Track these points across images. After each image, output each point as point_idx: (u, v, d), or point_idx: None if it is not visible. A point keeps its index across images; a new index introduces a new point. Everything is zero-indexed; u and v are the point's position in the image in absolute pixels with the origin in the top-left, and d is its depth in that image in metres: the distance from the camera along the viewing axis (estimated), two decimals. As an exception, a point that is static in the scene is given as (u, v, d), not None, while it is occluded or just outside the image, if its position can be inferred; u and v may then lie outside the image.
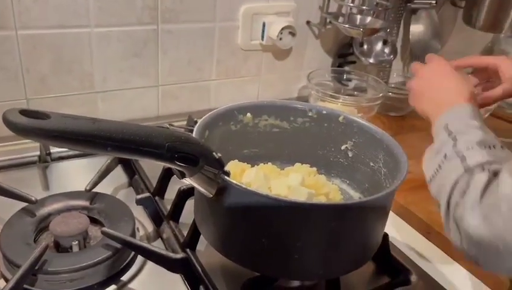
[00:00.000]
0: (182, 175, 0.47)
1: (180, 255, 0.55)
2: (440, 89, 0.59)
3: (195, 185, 0.48)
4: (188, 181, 0.48)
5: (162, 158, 0.43)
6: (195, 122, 0.84)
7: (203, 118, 0.59)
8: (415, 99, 0.63)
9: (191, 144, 0.45)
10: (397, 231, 0.70)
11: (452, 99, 0.56)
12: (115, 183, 0.75)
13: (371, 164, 0.62)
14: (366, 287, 0.59)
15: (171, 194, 0.69)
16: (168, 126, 0.81)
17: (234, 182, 0.47)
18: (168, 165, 0.44)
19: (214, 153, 0.47)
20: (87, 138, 0.38)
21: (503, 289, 0.61)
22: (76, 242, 0.57)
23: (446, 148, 0.51)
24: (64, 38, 0.80)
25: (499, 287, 0.61)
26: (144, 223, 0.67)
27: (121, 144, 0.40)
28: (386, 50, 1.07)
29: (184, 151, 0.44)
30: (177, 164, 0.44)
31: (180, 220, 0.65)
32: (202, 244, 0.59)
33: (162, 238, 0.64)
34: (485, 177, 0.45)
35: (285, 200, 0.47)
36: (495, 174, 0.45)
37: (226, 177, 0.47)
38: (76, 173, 0.77)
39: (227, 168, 0.61)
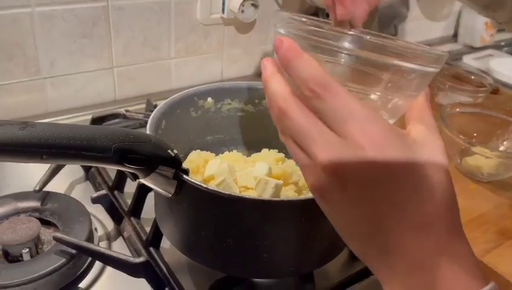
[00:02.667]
0: (135, 177, 0.42)
1: (141, 258, 0.51)
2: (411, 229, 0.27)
3: (151, 186, 0.44)
4: (142, 182, 0.43)
5: (109, 162, 0.38)
6: (155, 106, 0.78)
7: (159, 107, 0.54)
8: (335, 218, 0.31)
9: (141, 143, 0.40)
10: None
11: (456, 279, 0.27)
12: (70, 178, 0.69)
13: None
14: (341, 275, 0.57)
15: (131, 187, 0.65)
16: (124, 112, 0.75)
17: (193, 181, 0.42)
18: (117, 168, 0.40)
19: (169, 151, 0.42)
20: (16, 148, 0.33)
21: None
22: (27, 250, 0.52)
23: None
24: (1, 20, 0.72)
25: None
26: (103, 221, 0.62)
27: (59, 150, 0.35)
28: (353, 19, 1.03)
29: (134, 152, 0.39)
30: (127, 167, 0.39)
31: (142, 215, 0.61)
32: (167, 241, 0.55)
33: (123, 237, 0.60)
34: None
35: (249, 198, 0.43)
36: None
37: (184, 175, 0.43)
38: (31, 170, 0.70)
39: (189, 159, 0.57)
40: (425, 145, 0.30)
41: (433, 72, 0.32)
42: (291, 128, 0.31)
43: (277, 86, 0.32)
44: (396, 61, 0.30)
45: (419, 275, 0.27)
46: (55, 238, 0.52)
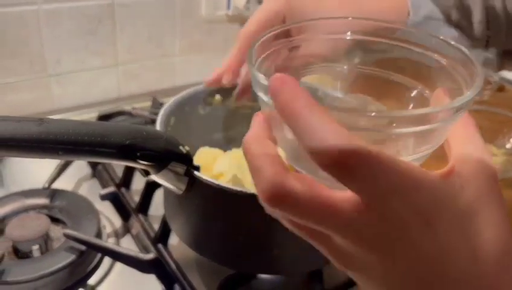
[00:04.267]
0: (147, 173, 0.42)
1: (150, 255, 0.51)
2: None
3: (162, 182, 0.44)
4: (153, 178, 0.43)
5: (123, 158, 0.39)
6: (161, 104, 0.79)
7: (168, 104, 0.54)
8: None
9: (154, 139, 0.40)
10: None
11: None
12: (77, 175, 0.69)
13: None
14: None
15: (137, 183, 0.65)
16: (131, 110, 0.76)
17: (205, 177, 0.42)
18: (130, 164, 0.40)
19: (181, 147, 0.42)
20: (33, 144, 0.33)
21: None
22: (37, 246, 0.53)
23: None
24: (8, 18, 0.72)
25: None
26: (111, 218, 0.62)
27: (74, 146, 0.35)
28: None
29: (147, 148, 0.39)
30: (140, 163, 0.40)
31: (150, 212, 0.61)
32: (176, 237, 0.56)
33: (131, 234, 0.60)
34: None
35: (262, 195, 0.43)
36: None
37: (195, 172, 0.43)
38: (36, 167, 0.71)
39: (197, 156, 0.58)
40: (471, 190, 0.24)
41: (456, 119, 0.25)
42: (298, 216, 0.24)
43: (265, 164, 0.24)
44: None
45: None
46: (66, 235, 0.52)
